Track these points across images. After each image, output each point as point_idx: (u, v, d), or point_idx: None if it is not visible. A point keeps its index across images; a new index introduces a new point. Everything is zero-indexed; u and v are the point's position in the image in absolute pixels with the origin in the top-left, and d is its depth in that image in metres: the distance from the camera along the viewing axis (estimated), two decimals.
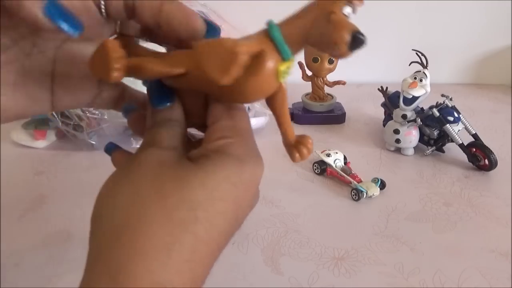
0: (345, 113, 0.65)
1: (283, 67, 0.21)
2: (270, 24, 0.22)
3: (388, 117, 0.58)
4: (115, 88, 0.28)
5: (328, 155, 0.49)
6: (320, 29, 0.20)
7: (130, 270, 0.18)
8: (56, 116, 0.51)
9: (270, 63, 0.21)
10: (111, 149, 0.26)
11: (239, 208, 0.22)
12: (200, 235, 0.20)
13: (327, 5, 0.21)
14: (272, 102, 0.24)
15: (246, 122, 0.25)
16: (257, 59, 0.21)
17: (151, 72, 0.23)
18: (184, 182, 0.20)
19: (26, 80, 0.24)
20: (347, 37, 0.20)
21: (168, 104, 0.25)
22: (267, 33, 0.21)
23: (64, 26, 0.21)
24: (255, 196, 0.24)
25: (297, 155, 0.25)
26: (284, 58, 0.21)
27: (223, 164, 0.21)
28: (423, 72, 0.52)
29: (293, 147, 0.26)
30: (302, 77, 0.65)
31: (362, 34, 0.20)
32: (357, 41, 0.20)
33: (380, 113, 0.62)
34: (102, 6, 0.23)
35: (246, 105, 0.61)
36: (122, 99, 0.28)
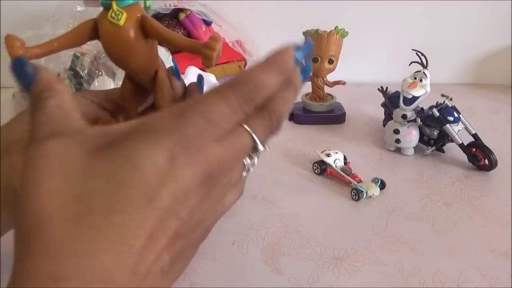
0: (345, 113, 0.65)
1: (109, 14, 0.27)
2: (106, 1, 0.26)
3: (388, 117, 0.58)
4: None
5: (328, 155, 0.49)
6: None
7: (25, 267, 0.19)
8: None
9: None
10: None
11: (158, 192, 0.20)
12: (97, 225, 0.19)
13: None
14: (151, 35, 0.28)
15: (204, 99, 0.23)
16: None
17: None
18: (82, 173, 0.20)
19: None
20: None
21: (34, 78, 0.24)
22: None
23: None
24: (191, 177, 0.21)
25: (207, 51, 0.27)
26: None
27: (125, 146, 0.21)
28: (423, 72, 0.52)
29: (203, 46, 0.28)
30: None
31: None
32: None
33: (380, 113, 0.62)
34: None
35: None
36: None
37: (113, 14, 0.26)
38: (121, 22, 0.26)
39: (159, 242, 0.20)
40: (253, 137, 0.24)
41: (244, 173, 0.26)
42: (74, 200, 0.19)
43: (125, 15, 0.26)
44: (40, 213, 0.19)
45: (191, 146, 0.21)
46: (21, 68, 0.24)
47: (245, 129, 0.24)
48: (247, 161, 0.25)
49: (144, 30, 0.28)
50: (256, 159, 0.26)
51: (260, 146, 0.24)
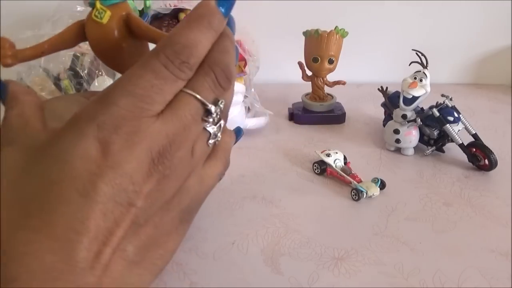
0: (345, 113, 0.65)
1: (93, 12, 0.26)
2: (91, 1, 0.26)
3: (388, 117, 0.58)
4: None
5: (328, 155, 0.49)
6: None
7: None
8: None
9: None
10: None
11: (92, 183, 0.19)
12: (36, 226, 0.19)
13: None
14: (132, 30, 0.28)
15: (128, 75, 0.22)
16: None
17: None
18: (22, 177, 0.20)
19: None
20: None
21: (4, 93, 0.24)
22: None
23: None
24: (129, 160, 0.20)
25: None
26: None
27: (56, 140, 0.21)
28: (423, 72, 0.52)
29: None
30: (302, 77, 0.66)
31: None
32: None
33: (380, 113, 0.62)
34: None
35: (246, 105, 0.61)
36: None
37: (96, 13, 0.26)
38: (104, 21, 0.26)
39: (113, 234, 0.20)
40: (198, 99, 0.22)
41: (212, 141, 0.24)
42: (13, 205, 0.19)
43: (108, 13, 0.26)
44: None
45: (123, 127, 0.20)
46: None
47: (187, 93, 0.22)
48: (210, 127, 0.23)
49: (130, 29, 0.28)
50: (221, 123, 0.24)
51: (210, 106, 0.22)
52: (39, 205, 0.19)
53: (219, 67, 0.23)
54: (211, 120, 0.23)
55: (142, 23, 0.28)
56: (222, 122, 0.25)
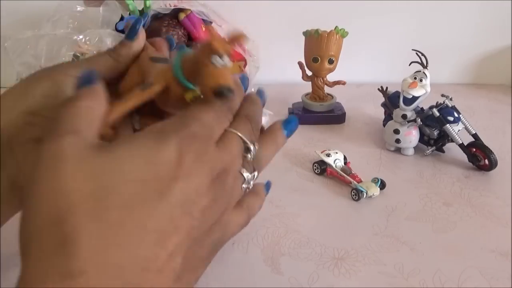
0: (345, 113, 0.65)
1: (189, 95, 0.26)
2: (174, 61, 0.26)
3: (388, 117, 0.58)
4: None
5: (328, 155, 0.49)
6: (199, 73, 0.24)
7: (34, 268, 0.19)
8: None
9: (178, 93, 0.26)
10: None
11: (169, 188, 0.21)
12: (113, 220, 0.19)
13: (199, 53, 0.24)
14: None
15: (194, 108, 0.25)
16: (169, 89, 0.26)
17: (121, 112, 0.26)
18: (91, 173, 0.20)
19: None
20: (209, 91, 0.24)
21: (91, 85, 0.25)
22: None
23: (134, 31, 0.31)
24: (199, 175, 0.22)
25: None
26: (187, 88, 0.26)
27: (141, 143, 0.21)
28: (423, 72, 0.52)
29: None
30: (302, 77, 0.66)
31: (227, 89, 0.23)
32: (219, 95, 0.24)
33: (380, 113, 0.62)
34: None
35: None
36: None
37: (192, 98, 0.26)
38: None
39: (170, 239, 0.21)
40: (241, 137, 0.25)
41: (245, 186, 0.27)
42: (90, 196, 0.19)
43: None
44: (56, 210, 0.19)
45: (197, 146, 0.22)
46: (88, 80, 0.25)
47: (233, 132, 0.25)
48: (246, 173, 0.26)
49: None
50: (255, 173, 0.28)
51: (250, 144, 0.26)
52: (119, 200, 0.20)
53: (254, 120, 0.28)
54: (249, 156, 0.26)
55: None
56: (256, 173, 0.28)
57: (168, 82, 0.26)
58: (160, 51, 0.33)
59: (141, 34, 0.32)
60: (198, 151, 0.22)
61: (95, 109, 0.24)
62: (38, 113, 0.28)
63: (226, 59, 0.24)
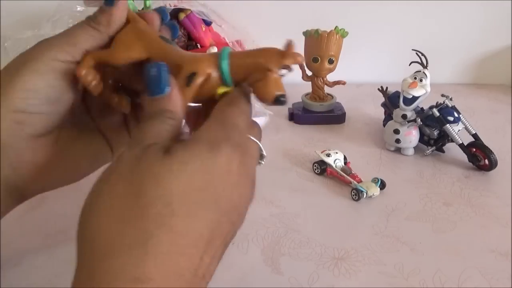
0: (345, 113, 0.65)
1: (221, 90, 0.26)
2: (221, 56, 0.26)
3: (388, 117, 0.58)
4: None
5: (328, 155, 0.49)
6: (257, 77, 0.25)
7: (104, 268, 0.18)
8: None
9: (211, 87, 0.26)
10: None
11: (220, 196, 0.21)
12: (178, 228, 0.19)
13: (269, 61, 0.25)
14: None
15: (229, 112, 0.25)
16: (205, 81, 0.26)
17: (117, 60, 0.28)
18: (159, 178, 0.20)
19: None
20: (271, 97, 0.25)
21: (166, 91, 0.25)
22: (218, 59, 0.26)
23: None
24: (241, 183, 0.23)
25: None
26: (225, 85, 0.26)
27: (197, 152, 0.21)
28: (423, 72, 0.52)
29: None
30: (302, 77, 0.65)
31: (284, 97, 0.25)
32: (277, 102, 0.25)
33: (380, 113, 0.62)
34: None
35: None
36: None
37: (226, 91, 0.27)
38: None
39: (214, 245, 0.21)
40: (260, 146, 0.26)
41: None
42: (156, 201, 0.20)
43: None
44: (128, 211, 0.20)
45: (240, 155, 0.23)
46: (160, 75, 0.25)
47: (256, 142, 0.26)
48: None
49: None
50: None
51: (264, 152, 0.27)
52: (183, 208, 0.20)
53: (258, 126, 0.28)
54: (262, 163, 0.27)
55: None
56: None
57: (208, 74, 0.26)
58: (151, 25, 0.30)
59: (121, 1, 0.29)
60: (241, 160, 0.23)
61: (171, 114, 0.24)
62: (25, 110, 0.27)
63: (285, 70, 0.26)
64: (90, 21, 0.30)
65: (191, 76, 0.26)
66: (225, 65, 0.26)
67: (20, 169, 0.28)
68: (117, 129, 0.34)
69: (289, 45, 0.25)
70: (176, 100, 0.25)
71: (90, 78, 0.28)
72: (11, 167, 0.27)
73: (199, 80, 0.26)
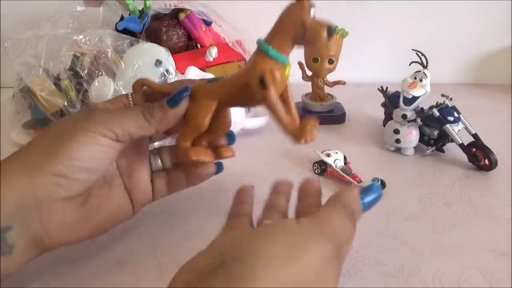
0: (345, 113, 0.65)
1: (286, 70, 0.31)
2: (265, 47, 0.31)
3: (388, 117, 0.58)
4: (162, 176, 0.37)
5: (328, 155, 0.49)
6: (302, 35, 0.30)
7: None
8: (56, 116, 0.51)
9: (279, 75, 0.31)
10: None
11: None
12: None
13: (297, 17, 0.30)
14: (282, 94, 0.34)
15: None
16: (271, 75, 0.30)
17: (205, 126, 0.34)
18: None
19: None
20: (325, 33, 0.29)
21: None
22: (264, 53, 0.31)
23: (180, 99, 0.33)
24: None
25: (302, 139, 0.32)
26: (284, 65, 0.31)
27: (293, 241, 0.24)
28: (423, 72, 0.52)
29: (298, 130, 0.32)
30: (302, 77, 0.65)
31: (330, 25, 0.30)
32: (330, 31, 0.29)
33: (380, 113, 0.62)
34: (130, 99, 0.35)
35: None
36: (170, 181, 0.38)
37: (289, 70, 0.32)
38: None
39: None
40: None
41: None
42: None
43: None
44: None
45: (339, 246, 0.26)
46: None
47: None
48: None
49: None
50: None
51: None
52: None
53: None
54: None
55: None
56: None
57: (268, 68, 0.30)
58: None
59: (184, 103, 0.32)
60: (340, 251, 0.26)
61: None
62: (66, 176, 0.29)
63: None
64: (146, 112, 0.32)
65: (262, 79, 0.30)
66: (273, 52, 0.30)
67: (49, 226, 0.29)
68: (144, 187, 0.36)
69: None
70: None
71: (202, 156, 0.34)
72: (40, 223, 0.29)
73: (272, 75, 0.30)
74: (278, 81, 0.30)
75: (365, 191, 0.29)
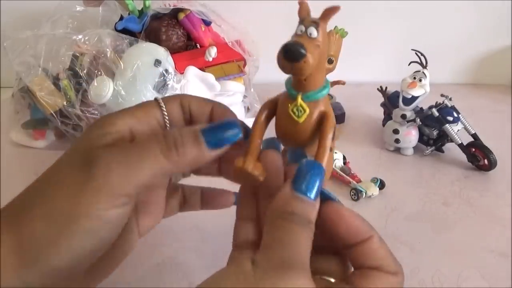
0: (344, 113, 0.65)
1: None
2: (292, 92, 0.26)
3: (388, 117, 0.58)
4: (177, 195, 0.32)
5: None
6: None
7: None
8: (55, 116, 0.51)
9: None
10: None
11: None
12: None
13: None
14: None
15: None
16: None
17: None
18: None
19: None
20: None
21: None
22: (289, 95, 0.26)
23: (227, 142, 0.24)
24: None
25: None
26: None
27: None
28: (423, 72, 0.52)
29: None
30: None
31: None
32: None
33: (380, 113, 0.62)
34: (166, 119, 0.26)
35: (246, 105, 0.61)
36: (184, 200, 0.32)
37: (295, 109, 0.25)
38: (301, 120, 0.25)
39: None
40: None
41: None
42: None
43: (307, 112, 0.25)
44: None
45: None
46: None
47: None
48: None
49: (319, 124, 0.26)
50: None
51: None
52: None
53: None
54: None
55: (329, 126, 0.26)
56: None
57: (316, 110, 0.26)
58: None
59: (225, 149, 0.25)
60: None
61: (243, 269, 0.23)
62: (67, 269, 0.23)
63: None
64: (172, 147, 0.24)
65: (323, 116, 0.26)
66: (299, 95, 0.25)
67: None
68: (157, 214, 0.31)
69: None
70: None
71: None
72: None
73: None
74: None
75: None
